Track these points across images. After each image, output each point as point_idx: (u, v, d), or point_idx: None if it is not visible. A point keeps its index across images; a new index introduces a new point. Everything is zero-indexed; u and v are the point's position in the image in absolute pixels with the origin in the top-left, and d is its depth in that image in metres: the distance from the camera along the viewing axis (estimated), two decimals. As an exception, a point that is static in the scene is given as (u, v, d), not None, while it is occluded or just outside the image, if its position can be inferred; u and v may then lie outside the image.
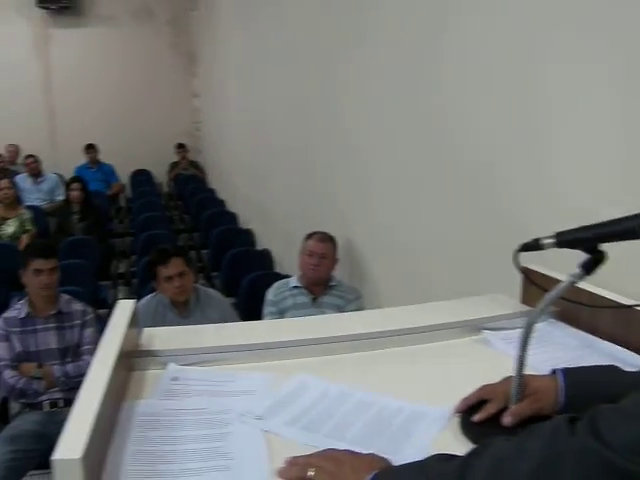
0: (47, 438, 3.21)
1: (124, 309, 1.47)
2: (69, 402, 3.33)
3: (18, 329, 3.37)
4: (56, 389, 3.33)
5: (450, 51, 2.67)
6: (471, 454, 0.89)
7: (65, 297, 3.49)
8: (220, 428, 1.20)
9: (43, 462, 3.20)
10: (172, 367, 1.43)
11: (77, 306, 3.48)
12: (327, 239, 3.69)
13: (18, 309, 3.42)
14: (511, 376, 1.19)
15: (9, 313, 3.44)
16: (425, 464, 0.93)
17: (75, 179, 6.46)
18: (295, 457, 1.05)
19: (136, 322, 1.51)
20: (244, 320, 3.63)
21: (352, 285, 3.86)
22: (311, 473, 1.00)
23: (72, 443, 0.93)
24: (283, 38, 5.35)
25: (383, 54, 3.40)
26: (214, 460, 1.10)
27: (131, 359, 1.43)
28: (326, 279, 3.68)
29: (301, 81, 4.93)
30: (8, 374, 3.29)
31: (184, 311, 3.46)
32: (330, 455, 1.03)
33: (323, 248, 3.63)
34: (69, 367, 3.33)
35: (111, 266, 5.92)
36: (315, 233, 3.72)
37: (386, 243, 3.56)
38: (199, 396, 1.33)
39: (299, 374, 1.41)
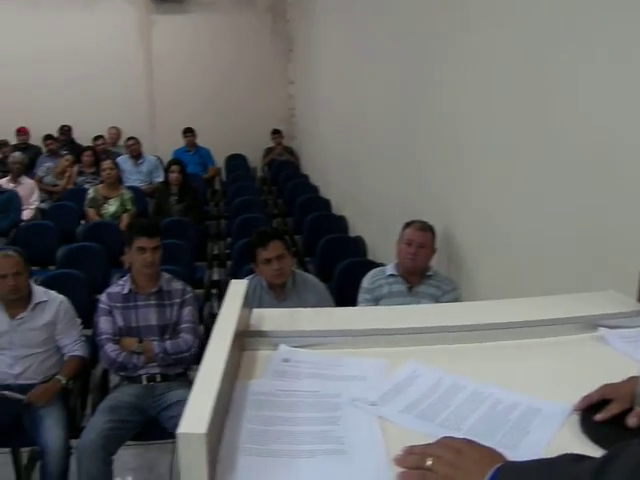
0: (144, 411, 3.33)
1: (237, 289, 1.48)
2: (166, 377, 3.43)
3: (120, 304, 3.48)
4: (154, 364, 3.42)
5: (566, 35, 2.57)
6: (606, 458, 0.83)
7: (166, 276, 3.58)
8: (332, 412, 1.20)
9: (139, 433, 3.32)
10: (283, 348, 1.44)
11: (177, 285, 3.56)
12: (426, 228, 3.65)
13: (121, 285, 3.53)
14: (636, 376, 1.13)
15: (113, 289, 3.56)
16: (554, 463, 0.88)
17: (175, 161, 6.61)
18: (412, 446, 1.02)
19: (247, 303, 1.52)
20: (338, 306, 3.63)
21: (449, 276, 3.81)
22: (429, 462, 0.96)
23: (196, 418, 0.94)
24: (382, 24, 5.30)
25: (486, 38, 3.32)
26: (328, 443, 1.09)
27: (242, 339, 1.44)
28: (423, 268, 3.64)
29: (399, 67, 4.88)
30: (110, 347, 3.40)
31: (281, 294, 3.49)
32: (449, 444, 0.99)
33: (422, 237, 3.59)
34: (168, 344, 3.41)
35: (206, 247, 6.04)
36: (414, 222, 3.68)
37: (486, 234, 3.49)
38: (310, 379, 1.33)
39: (411, 362, 1.39)
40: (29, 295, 3.48)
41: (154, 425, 3.34)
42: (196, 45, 10.37)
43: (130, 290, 3.49)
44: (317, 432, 1.13)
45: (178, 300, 3.50)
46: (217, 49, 10.38)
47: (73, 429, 3.33)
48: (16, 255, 3.45)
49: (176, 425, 2.95)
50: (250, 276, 3.57)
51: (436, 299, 3.59)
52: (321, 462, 1.05)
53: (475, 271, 3.70)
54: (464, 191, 3.72)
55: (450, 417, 1.19)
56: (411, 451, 1.01)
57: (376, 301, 3.65)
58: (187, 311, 3.50)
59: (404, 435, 1.10)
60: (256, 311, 1.59)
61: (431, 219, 3.77)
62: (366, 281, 3.73)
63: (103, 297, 3.53)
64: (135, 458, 3.89)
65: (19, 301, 3.44)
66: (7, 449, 3.56)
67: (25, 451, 3.83)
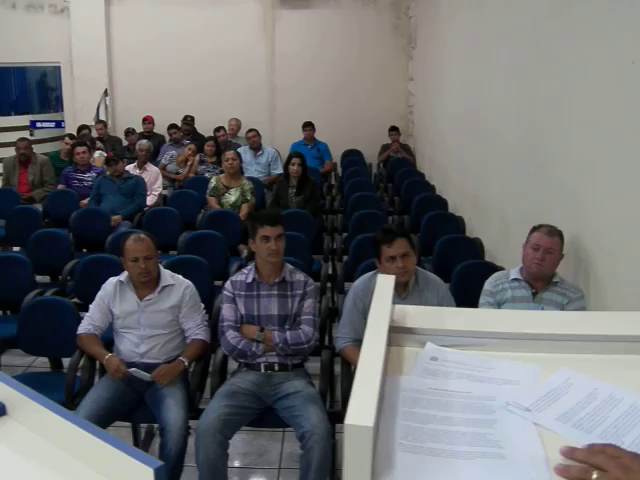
0: (261, 398, 3.38)
1: (385, 284, 1.47)
2: (283, 367, 3.47)
3: (243, 293, 3.54)
4: (273, 353, 3.47)
5: None
6: None
7: (289, 267, 3.62)
8: (487, 414, 1.16)
9: (255, 420, 3.38)
10: (430, 346, 1.41)
11: (300, 276, 3.59)
12: (555, 233, 3.53)
13: (245, 274, 3.59)
14: None
15: (236, 277, 3.62)
16: None
17: (296, 154, 6.67)
18: (573, 448, 0.98)
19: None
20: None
21: (575, 283, 3.68)
22: (595, 476, 0.91)
23: (363, 411, 0.93)
24: (509, 24, 5.18)
25: (624, 41, 3.17)
26: (485, 447, 1.06)
27: (388, 334, 1.42)
28: (549, 274, 3.53)
29: (527, 64, 4.75)
30: (231, 334, 3.47)
31: (402, 292, 3.46)
32: (616, 457, 0.93)
33: (550, 242, 3.48)
34: (288, 335, 3.44)
35: (322, 241, 6.08)
36: (542, 226, 3.57)
37: (621, 241, 3.34)
38: (460, 379, 1.30)
39: (563, 369, 1.34)
40: (157, 278, 3.61)
41: (269, 413, 3.39)
42: (318, 40, 10.46)
43: (254, 279, 3.54)
44: (474, 434, 1.10)
45: (300, 292, 3.52)
46: (338, 45, 10.43)
47: (192, 410, 3.43)
48: (148, 239, 3.58)
49: (291, 415, 3.00)
50: (372, 272, 3.56)
51: (561, 307, 3.47)
52: (480, 465, 1.03)
53: (603, 280, 3.55)
54: (599, 194, 3.57)
55: (610, 430, 1.13)
56: (573, 456, 0.96)
57: (498, 305, 3.57)
58: (308, 303, 3.52)
59: (561, 443, 1.06)
60: (398, 307, 1.58)
61: (558, 223, 3.65)
62: (489, 284, 3.65)
63: (227, 285, 3.61)
64: (245, 443, 3.97)
65: (148, 283, 3.57)
66: (128, 424, 3.71)
67: (143, 427, 3.99)
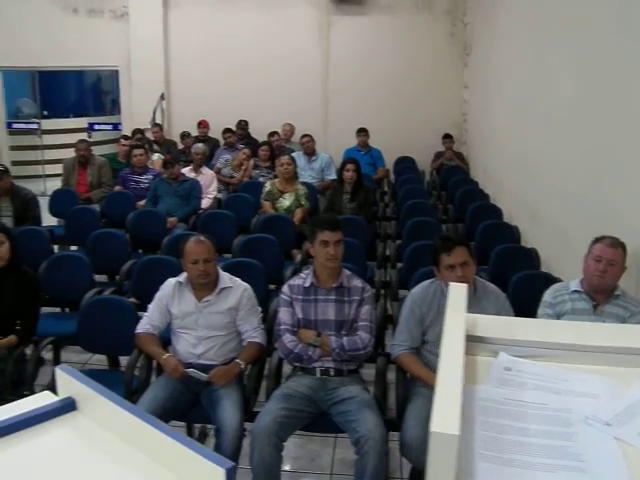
0: (316, 403, 3.39)
1: (458, 293, 1.47)
2: (339, 372, 3.47)
3: (301, 297, 3.56)
4: (329, 358, 3.47)
5: None
6: None
7: (347, 272, 3.62)
8: (566, 427, 1.15)
9: (309, 424, 3.38)
10: (504, 356, 1.40)
11: (357, 282, 3.59)
12: (617, 245, 3.46)
13: (303, 278, 3.61)
14: None
15: (294, 281, 3.64)
16: None
17: (351, 160, 6.67)
18: None
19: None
20: (516, 318, 3.53)
21: (637, 296, 3.60)
22: None
23: (448, 419, 0.93)
24: (573, 30, 5.10)
25: None
26: (565, 459, 1.06)
27: (462, 342, 1.42)
28: (611, 287, 3.47)
29: (590, 70, 4.68)
30: (287, 338, 3.49)
31: (460, 301, 3.42)
32: None
33: (613, 254, 3.42)
34: (345, 340, 3.44)
35: (376, 247, 6.07)
36: (605, 237, 3.50)
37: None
38: (535, 390, 1.29)
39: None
40: (216, 280, 3.64)
41: (322, 418, 3.39)
42: (373, 46, 10.46)
43: (312, 284, 3.55)
44: (553, 446, 1.09)
45: (357, 298, 3.52)
46: (393, 51, 10.42)
47: (247, 412, 3.45)
48: (208, 242, 3.62)
49: (346, 420, 2.98)
50: (430, 280, 3.54)
51: (622, 320, 3.41)
52: (560, 478, 1.02)
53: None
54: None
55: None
56: None
57: (558, 317, 3.52)
58: (365, 310, 3.51)
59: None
60: (468, 316, 1.57)
61: (621, 234, 3.58)
62: (548, 295, 3.60)
63: (285, 288, 3.63)
64: (297, 447, 3.97)
65: (207, 285, 3.61)
66: (182, 423, 3.75)
67: (197, 427, 4.04)
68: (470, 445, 1.07)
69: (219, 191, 7.84)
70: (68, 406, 1.50)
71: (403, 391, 3.47)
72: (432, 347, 3.43)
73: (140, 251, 6.24)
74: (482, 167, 8.92)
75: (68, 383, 1.54)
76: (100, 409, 1.46)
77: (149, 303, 3.85)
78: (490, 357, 1.41)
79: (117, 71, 11.14)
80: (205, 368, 3.49)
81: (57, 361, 4.08)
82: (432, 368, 3.40)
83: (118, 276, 5.33)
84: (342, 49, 10.49)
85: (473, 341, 1.45)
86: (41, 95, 12.54)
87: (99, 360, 4.94)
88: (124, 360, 4.23)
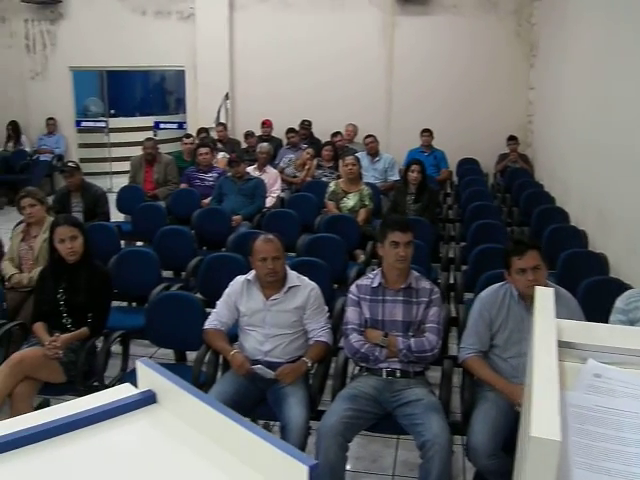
0: (381, 404, 3.38)
1: (545, 298, 1.45)
2: (405, 374, 3.46)
3: (368, 297, 3.56)
4: (395, 359, 3.46)
5: None
6: None
7: (415, 274, 3.60)
8: (662, 438, 1.12)
9: (373, 425, 3.38)
10: (593, 363, 1.38)
11: (425, 284, 3.57)
12: None
13: (371, 278, 3.61)
14: None
15: (362, 281, 3.64)
16: None
17: (416, 161, 6.65)
18: None
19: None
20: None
21: None
22: None
23: (548, 425, 0.92)
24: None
25: None
26: (664, 470, 1.03)
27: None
28: (686, 294, 3.36)
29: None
30: (355, 337, 3.49)
31: (531, 306, 3.36)
32: None
33: None
34: (412, 341, 3.42)
35: (439, 249, 6.03)
36: None
37: None
38: (627, 398, 1.26)
39: None
40: (284, 278, 3.67)
41: (387, 419, 3.38)
42: (436, 47, 10.38)
43: (380, 284, 3.55)
44: (651, 456, 1.06)
45: (425, 299, 3.51)
46: (457, 51, 10.31)
47: (312, 411, 3.46)
48: (276, 240, 3.65)
49: (412, 423, 2.96)
50: (499, 284, 3.50)
51: None
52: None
53: None
54: None
55: None
56: None
57: (631, 323, 3.42)
58: (434, 311, 3.50)
59: None
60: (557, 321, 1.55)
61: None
62: (621, 301, 3.51)
63: (352, 288, 3.63)
64: (360, 448, 3.97)
65: (275, 283, 3.63)
66: (247, 419, 3.78)
67: (260, 423, 4.07)
68: (565, 452, 1.05)
69: (282, 190, 7.89)
70: (148, 399, 1.52)
71: (470, 395, 3.44)
72: (500, 351, 3.40)
73: (204, 248, 6.33)
74: (548, 170, 8.76)
75: (148, 376, 1.56)
76: (181, 402, 1.48)
77: (215, 300, 3.90)
78: (577, 363, 1.39)
79: (182, 71, 11.31)
80: (271, 365, 3.52)
81: (126, 354, 4.16)
82: (499, 372, 3.36)
83: (184, 272, 5.42)
84: (406, 49, 10.43)
85: (561, 346, 1.43)
86: (108, 94, 12.84)
87: (163, 354, 5.05)
88: (190, 355, 4.33)
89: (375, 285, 3.55)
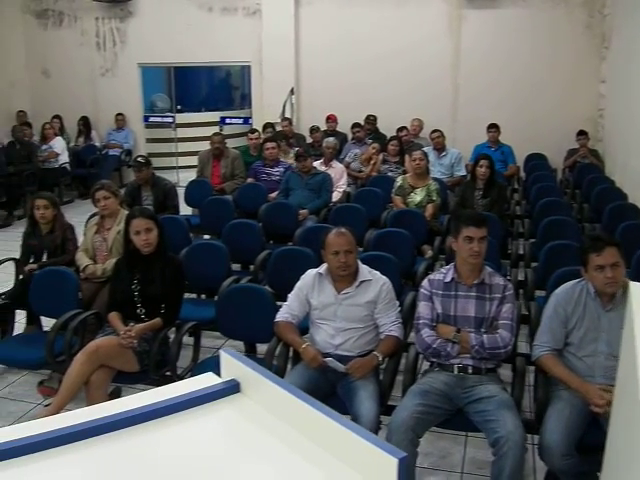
0: (453, 400, 3.36)
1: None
2: (477, 370, 3.42)
3: (441, 292, 3.53)
4: (467, 355, 3.42)
5: None
6: None
7: (488, 269, 3.56)
8: None
9: (444, 421, 3.36)
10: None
11: (499, 280, 3.53)
12: None
13: (444, 273, 3.57)
14: None
15: (435, 275, 3.62)
16: None
17: (484, 156, 6.57)
18: None
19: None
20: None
21: None
22: None
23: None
24: None
25: None
26: None
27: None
28: None
29: None
30: (426, 332, 3.47)
31: (608, 303, 3.29)
32: None
33: None
34: (485, 338, 3.38)
35: (508, 246, 5.94)
36: None
37: None
38: None
39: None
40: (356, 272, 3.67)
41: (458, 416, 3.36)
42: (503, 40, 10.18)
43: (452, 279, 3.51)
44: None
45: (499, 295, 3.46)
46: (525, 45, 10.10)
47: (382, 405, 3.46)
48: (349, 234, 3.66)
49: (484, 420, 2.93)
50: (575, 281, 3.43)
51: None
52: None
53: None
54: None
55: None
56: None
57: None
58: (507, 308, 3.44)
59: None
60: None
61: None
62: None
63: (425, 283, 3.61)
64: (428, 444, 3.93)
65: (346, 277, 3.64)
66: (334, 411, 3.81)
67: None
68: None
69: (347, 185, 7.89)
70: (232, 388, 1.55)
71: (543, 393, 3.39)
72: (575, 349, 3.33)
73: (271, 242, 6.37)
74: (620, 165, 8.52)
75: (232, 366, 1.59)
76: (265, 392, 1.49)
77: (283, 293, 3.94)
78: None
79: (246, 66, 11.42)
80: (342, 359, 3.53)
81: (197, 345, 4.24)
82: (574, 371, 3.30)
83: (251, 265, 5.47)
84: (472, 43, 10.29)
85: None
86: (175, 90, 13.05)
87: (229, 346, 5.11)
88: (259, 347, 4.38)
89: (448, 280, 3.52)
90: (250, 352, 4.34)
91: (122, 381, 4.11)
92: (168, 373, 4.00)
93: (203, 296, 5.38)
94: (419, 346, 3.52)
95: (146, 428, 1.36)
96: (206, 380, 1.61)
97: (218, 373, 1.60)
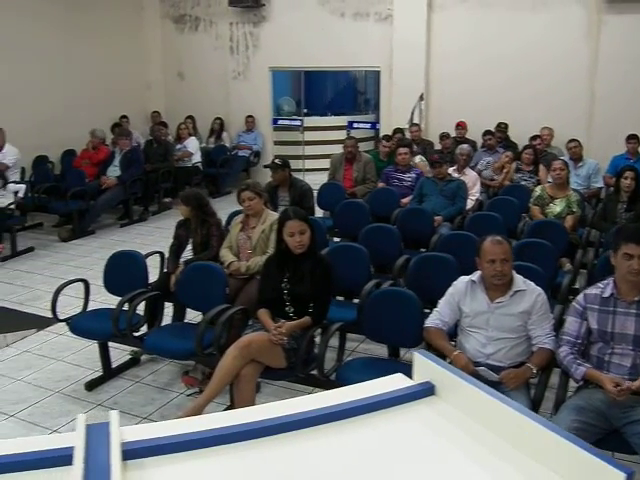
0: (609, 419, 3.25)
1: None
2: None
3: (597, 306, 3.42)
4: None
5: None
6: None
7: (652, 285, 3.43)
8: None
9: (598, 440, 3.25)
10: None
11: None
12: None
13: (601, 288, 3.45)
14: None
15: (591, 290, 3.51)
16: None
17: (630, 168, 6.36)
18: None
19: None
20: None
21: None
22: None
23: None
24: None
25: None
26: None
27: None
28: None
29: None
30: (563, 351, 3.45)
31: None
32: None
33: None
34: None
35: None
36: None
37: None
38: None
39: None
40: (510, 282, 3.64)
41: (613, 435, 3.26)
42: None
43: (612, 294, 3.39)
44: None
45: (663, 313, 3.33)
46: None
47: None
48: (505, 242, 3.62)
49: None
50: None
51: None
52: None
53: None
54: None
55: None
56: None
57: None
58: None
59: None
60: None
61: None
62: None
63: (579, 297, 3.51)
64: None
65: (501, 286, 3.61)
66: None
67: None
68: None
69: (480, 193, 7.81)
70: (427, 390, 1.56)
71: None
72: None
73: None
74: None
75: (426, 368, 1.60)
76: (463, 396, 1.50)
77: (424, 298, 3.93)
78: None
79: (374, 72, 11.45)
80: (492, 369, 3.51)
81: (342, 346, 4.31)
82: None
83: (387, 270, 5.49)
84: (613, 49, 9.87)
85: None
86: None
87: (364, 349, 5.17)
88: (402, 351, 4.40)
89: (606, 295, 3.40)
90: (393, 356, 4.37)
91: (268, 377, 4.22)
92: (314, 372, 4.08)
93: (341, 298, 5.44)
94: (558, 359, 3.48)
95: (342, 426, 1.40)
96: (397, 381, 1.63)
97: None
